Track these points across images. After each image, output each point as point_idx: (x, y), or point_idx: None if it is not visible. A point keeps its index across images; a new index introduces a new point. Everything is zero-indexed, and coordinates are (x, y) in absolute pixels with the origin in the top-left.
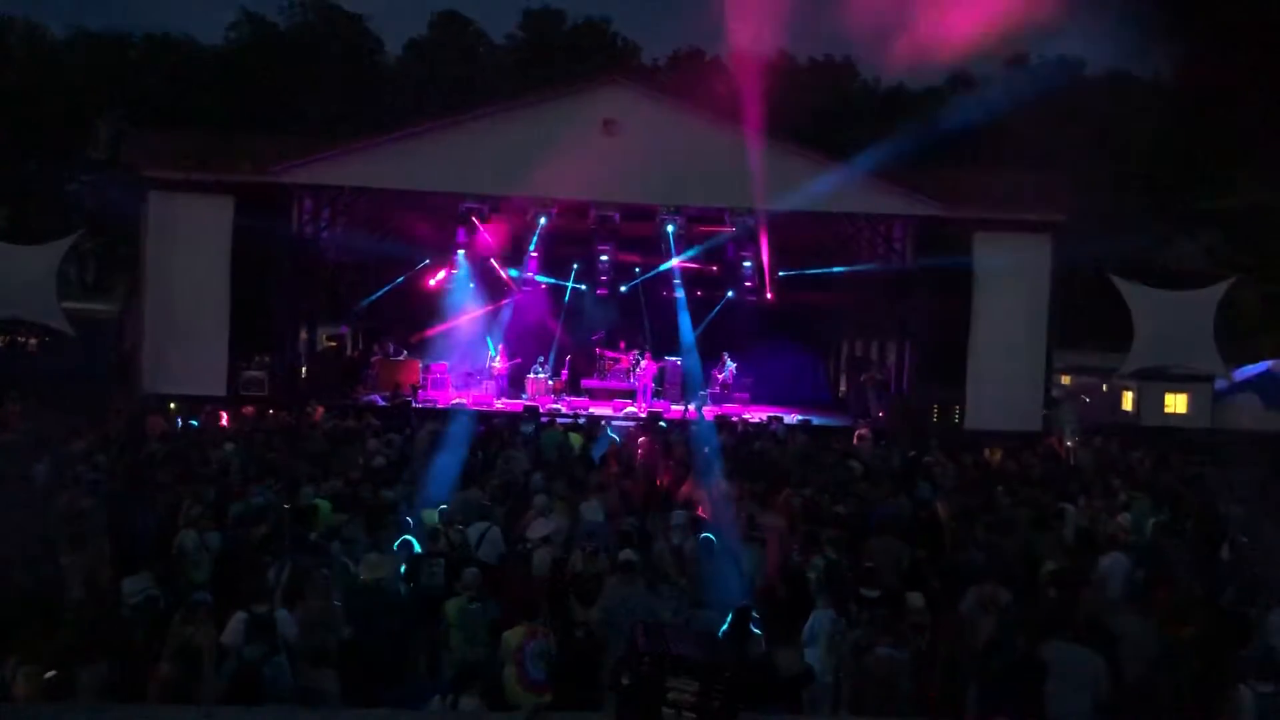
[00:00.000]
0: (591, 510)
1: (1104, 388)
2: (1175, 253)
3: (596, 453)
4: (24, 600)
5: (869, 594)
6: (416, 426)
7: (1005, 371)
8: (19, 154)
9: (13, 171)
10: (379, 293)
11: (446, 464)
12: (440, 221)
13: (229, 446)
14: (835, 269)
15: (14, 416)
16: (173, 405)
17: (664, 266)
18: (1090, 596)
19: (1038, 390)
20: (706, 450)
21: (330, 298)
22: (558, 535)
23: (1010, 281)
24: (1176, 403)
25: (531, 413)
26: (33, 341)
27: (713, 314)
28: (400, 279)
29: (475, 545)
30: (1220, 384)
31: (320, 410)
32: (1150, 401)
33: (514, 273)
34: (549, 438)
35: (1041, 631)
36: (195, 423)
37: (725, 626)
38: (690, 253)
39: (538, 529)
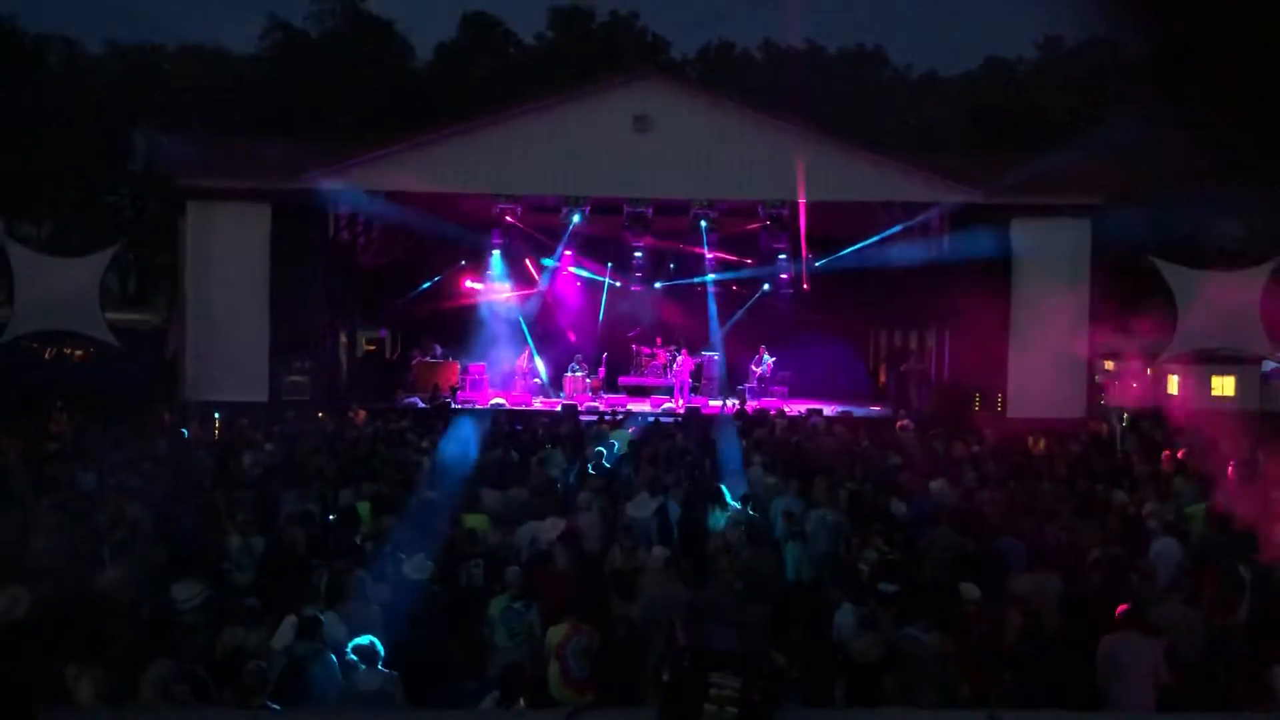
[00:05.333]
0: (636, 506)
1: (1148, 371)
2: (1218, 232)
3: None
4: (76, 606)
5: (887, 589)
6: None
7: (1047, 358)
8: (59, 168)
9: (53, 186)
10: (416, 295)
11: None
12: (474, 222)
13: (268, 447)
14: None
15: (61, 427)
16: (216, 415)
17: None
18: (1139, 584)
19: (1081, 376)
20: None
21: (368, 301)
22: (591, 531)
23: (1049, 266)
24: (1224, 385)
25: (569, 411)
26: (78, 353)
27: (745, 306)
28: (437, 280)
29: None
30: (1268, 365)
31: (362, 413)
32: (1197, 385)
33: (548, 261)
34: (588, 435)
35: (1091, 621)
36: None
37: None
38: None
39: (547, 529)
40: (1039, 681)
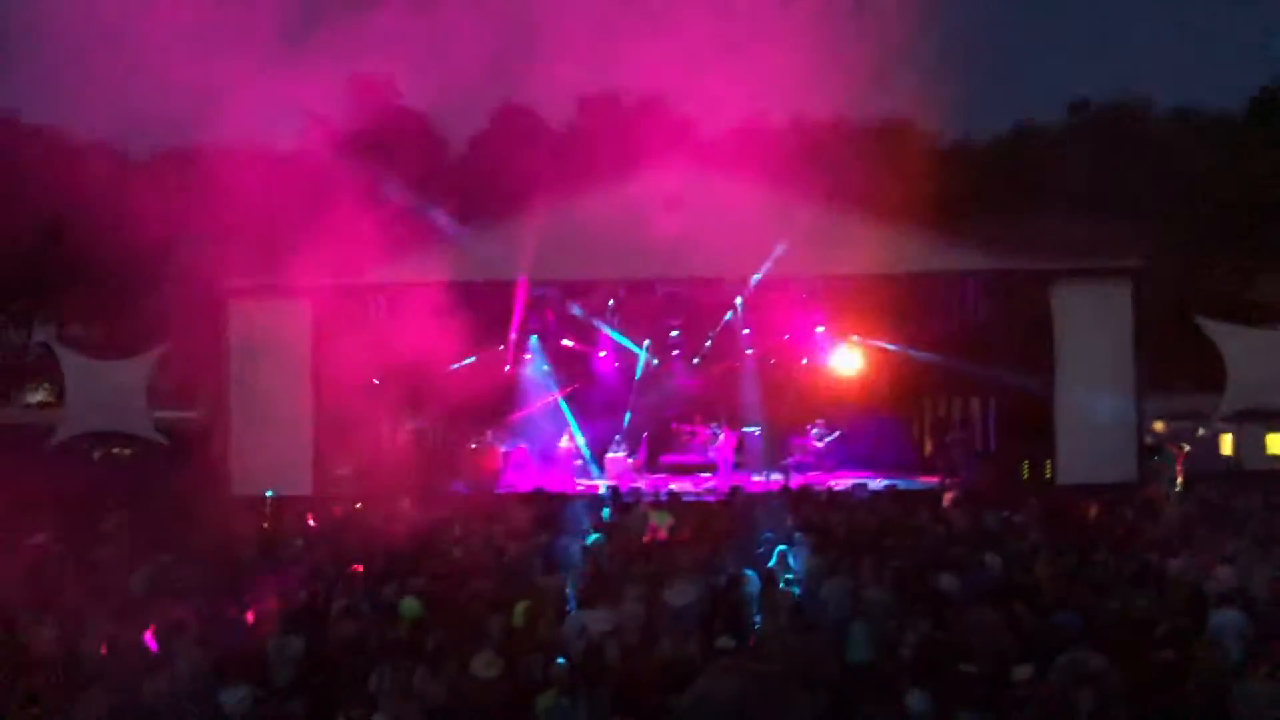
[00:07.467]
0: (679, 595)
1: (1200, 432)
2: (1261, 288)
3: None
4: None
5: (967, 669)
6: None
7: (1095, 422)
8: (108, 271)
9: (102, 289)
10: (456, 382)
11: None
12: (512, 308)
13: (299, 542)
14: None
15: (112, 528)
16: (265, 507)
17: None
18: (1204, 659)
19: (1130, 439)
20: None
21: (411, 388)
22: (633, 621)
23: (1092, 330)
24: (1279, 443)
25: (611, 493)
26: (127, 452)
27: (784, 380)
28: (476, 364)
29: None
30: None
31: (406, 503)
32: (1251, 444)
33: (585, 342)
34: (630, 519)
35: (1160, 705)
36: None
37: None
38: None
39: (598, 620)
40: None
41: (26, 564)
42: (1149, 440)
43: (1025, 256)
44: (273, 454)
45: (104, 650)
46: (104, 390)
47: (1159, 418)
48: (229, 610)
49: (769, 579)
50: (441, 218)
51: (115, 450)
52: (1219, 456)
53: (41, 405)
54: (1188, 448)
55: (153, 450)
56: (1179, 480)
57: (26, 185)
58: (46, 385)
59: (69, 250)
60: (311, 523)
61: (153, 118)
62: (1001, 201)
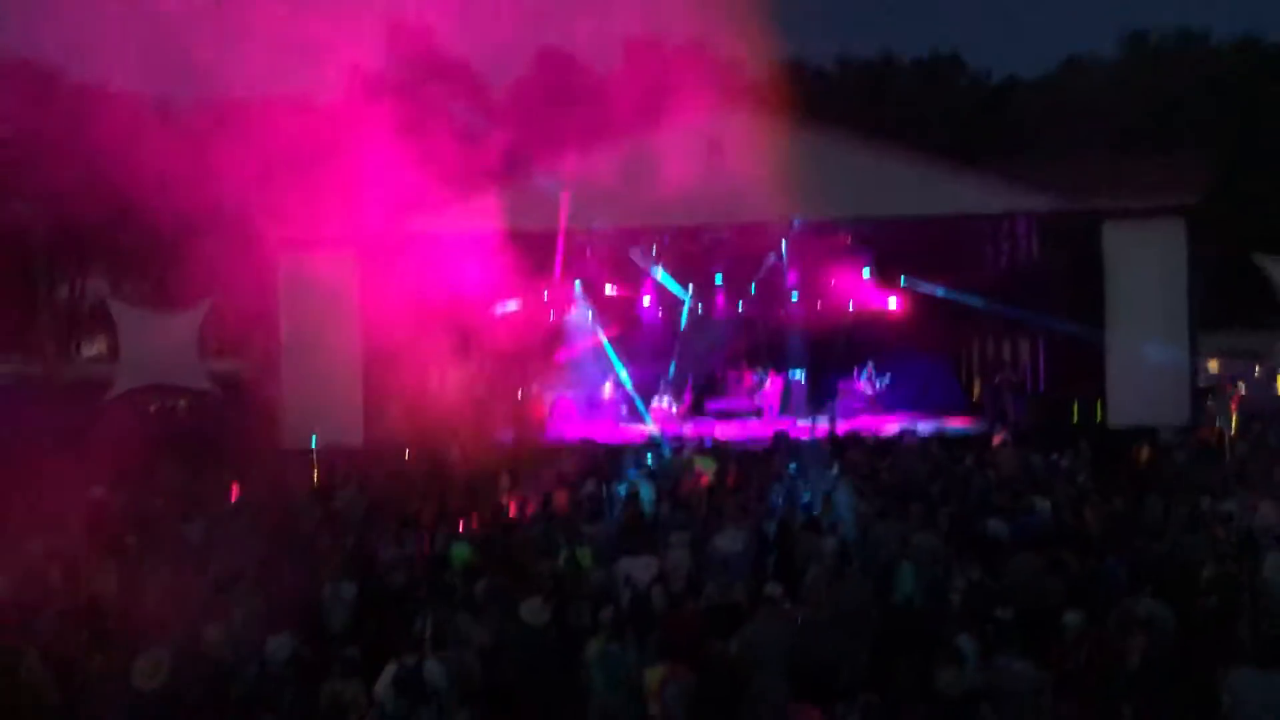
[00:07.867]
0: (728, 541)
1: (1257, 370)
2: None
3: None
4: (189, 666)
5: (1004, 615)
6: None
7: (1147, 363)
8: (155, 224)
9: (151, 239)
10: (503, 329)
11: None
12: (556, 255)
13: (346, 492)
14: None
15: (169, 480)
16: (314, 456)
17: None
18: (1254, 603)
19: (1183, 380)
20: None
21: (458, 339)
22: (677, 570)
23: (1144, 269)
24: None
25: (657, 439)
26: (181, 403)
27: (830, 324)
28: (520, 315)
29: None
30: None
31: (457, 451)
32: None
33: (629, 288)
34: (675, 464)
35: (1208, 651)
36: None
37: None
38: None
39: (644, 566)
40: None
41: (87, 516)
42: (1202, 382)
43: (1075, 196)
44: (324, 404)
45: (163, 600)
46: (158, 343)
47: (1214, 356)
48: (283, 558)
49: (815, 525)
50: (484, 165)
51: (171, 403)
52: (1276, 396)
53: (97, 359)
54: (1243, 388)
55: (207, 402)
56: (1233, 421)
57: (69, 140)
58: (102, 339)
59: (117, 205)
60: (361, 471)
61: (193, 69)
62: (1051, 139)
